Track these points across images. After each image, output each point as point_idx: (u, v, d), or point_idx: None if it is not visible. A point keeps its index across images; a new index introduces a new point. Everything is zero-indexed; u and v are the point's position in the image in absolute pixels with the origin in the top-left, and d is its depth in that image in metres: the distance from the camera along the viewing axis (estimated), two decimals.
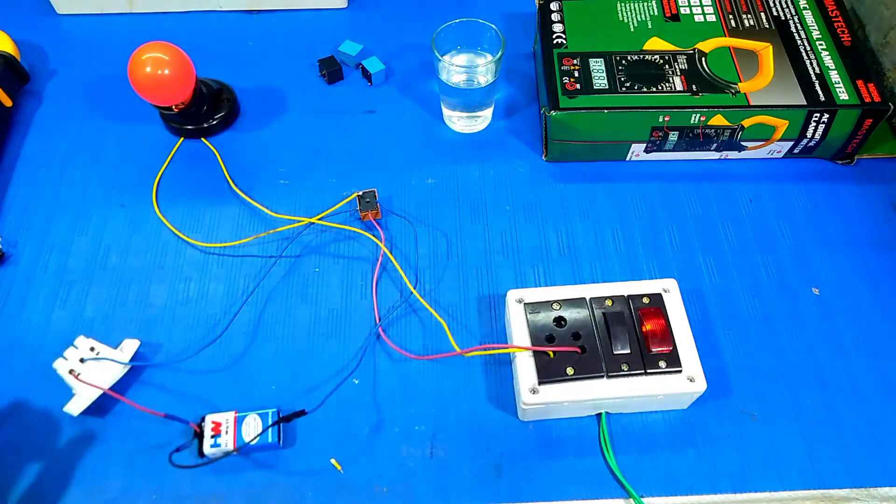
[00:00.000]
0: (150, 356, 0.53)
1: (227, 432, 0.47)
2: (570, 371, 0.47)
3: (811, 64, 0.60)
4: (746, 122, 0.58)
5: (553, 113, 0.58)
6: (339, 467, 0.48)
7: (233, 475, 0.48)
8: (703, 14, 0.64)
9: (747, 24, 0.63)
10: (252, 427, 0.48)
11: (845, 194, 0.61)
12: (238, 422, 0.48)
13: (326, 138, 0.65)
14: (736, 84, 0.59)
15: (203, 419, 0.48)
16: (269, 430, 0.47)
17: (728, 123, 0.58)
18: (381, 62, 0.69)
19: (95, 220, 0.60)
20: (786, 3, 0.65)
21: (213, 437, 0.47)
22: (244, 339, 0.54)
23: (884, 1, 0.66)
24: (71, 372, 0.49)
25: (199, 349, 0.53)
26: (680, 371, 0.47)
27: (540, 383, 0.46)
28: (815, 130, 0.59)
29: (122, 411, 0.50)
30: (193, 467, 0.47)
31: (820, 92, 0.58)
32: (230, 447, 0.47)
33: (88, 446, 0.49)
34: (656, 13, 0.64)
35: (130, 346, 0.51)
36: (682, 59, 0.61)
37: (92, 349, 0.50)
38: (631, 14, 0.64)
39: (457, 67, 0.62)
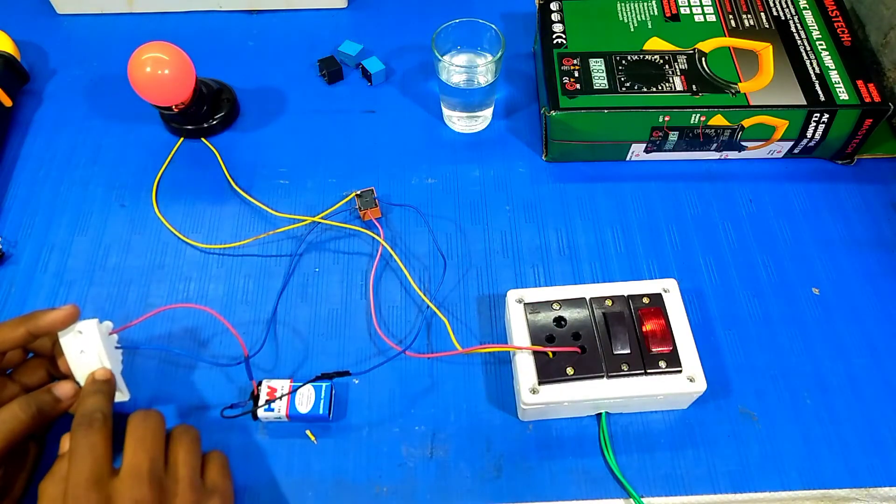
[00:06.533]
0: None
1: (281, 399, 0.49)
2: (570, 371, 0.47)
3: (811, 64, 0.60)
4: (746, 122, 0.58)
5: (553, 113, 0.58)
6: (312, 438, 0.49)
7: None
8: (703, 14, 0.64)
9: (747, 24, 0.63)
10: (305, 398, 0.49)
11: (845, 194, 0.61)
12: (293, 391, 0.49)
13: (326, 138, 0.65)
14: (736, 84, 0.59)
15: (260, 383, 0.49)
16: (322, 401, 0.48)
17: (728, 123, 0.58)
18: (381, 62, 0.69)
19: (95, 220, 0.60)
20: (786, 3, 0.65)
21: (267, 402, 0.48)
22: (242, 338, 0.54)
23: (884, 1, 0.66)
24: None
25: (199, 347, 0.53)
26: (680, 371, 0.47)
27: (540, 383, 0.46)
28: (815, 130, 0.59)
29: None
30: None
31: (820, 92, 0.58)
32: (282, 413, 0.48)
33: None
34: (656, 13, 0.64)
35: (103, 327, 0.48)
36: (682, 59, 0.61)
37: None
38: (631, 14, 0.64)
39: (457, 67, 0.62)
